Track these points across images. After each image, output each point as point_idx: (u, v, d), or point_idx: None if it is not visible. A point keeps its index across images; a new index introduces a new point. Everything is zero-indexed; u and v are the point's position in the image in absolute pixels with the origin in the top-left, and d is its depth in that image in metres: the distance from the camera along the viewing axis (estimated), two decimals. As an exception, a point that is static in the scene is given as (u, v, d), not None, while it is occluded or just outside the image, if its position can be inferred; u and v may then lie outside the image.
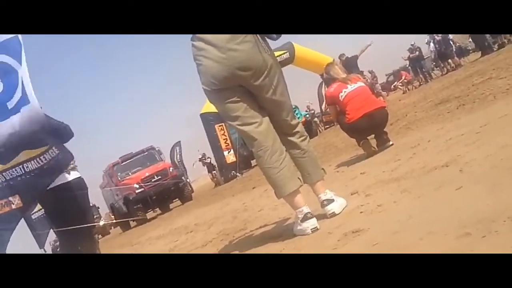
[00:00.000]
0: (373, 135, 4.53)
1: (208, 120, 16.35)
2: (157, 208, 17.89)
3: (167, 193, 16.94)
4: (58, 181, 3.71)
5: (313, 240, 2.28)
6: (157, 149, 18.75)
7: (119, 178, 17.39)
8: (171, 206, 18.06)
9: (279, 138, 2.59)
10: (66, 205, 3.76)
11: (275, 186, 2.54)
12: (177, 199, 17.81)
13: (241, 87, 2.50)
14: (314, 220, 2.44)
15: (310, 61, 18.21)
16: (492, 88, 4.85)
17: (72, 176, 3.83)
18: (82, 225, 3.83)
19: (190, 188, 18.14)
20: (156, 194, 16.48)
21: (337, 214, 2.52)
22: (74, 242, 3.89)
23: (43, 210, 4.54)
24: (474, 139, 2.78)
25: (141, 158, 18.18)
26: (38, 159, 3.46)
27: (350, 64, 13.66)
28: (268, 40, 2.53)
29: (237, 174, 15.20)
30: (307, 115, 20.81)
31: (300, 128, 2.68)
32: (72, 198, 3.77)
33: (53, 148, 3.52)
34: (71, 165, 3.91)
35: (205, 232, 4.88)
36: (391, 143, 4.41)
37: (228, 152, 16.17)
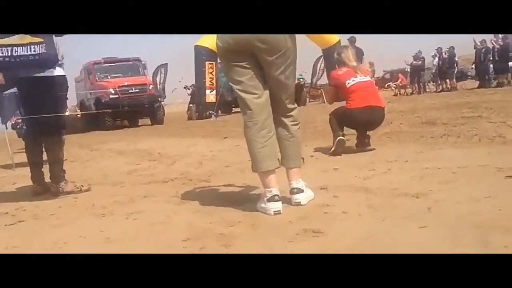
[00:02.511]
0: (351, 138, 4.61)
1: (200, 53, 15.99)
2: (126, 120, 17.72)
3: (140, 108, 16.77)
4: (42, 72, 3.66)
5: (273, 223, 2.37)
6: (143, 62, 18.37)
7: (97, 78, 17.09)
8: (140, 122, 17.99)
9: (273, 116, 2.65)
10: (42, 98, 3.72)
11: (254, 160, 2.60)
12: (147, 118, 17.69)
13: (253, 57, 2.54)
14: (279, 204, 2.52)
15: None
16: (480, 129, 4.96)
17: (57, 72, 3.78)
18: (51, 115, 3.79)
19: (163, 112, 17.96)
20: (129, 105, 16.28)
21: (302, 205, 2.61)
22: (39, 134, 3.88)
23: (15, 90, 4.48)
24: (449, 178, 2.88)
25: (124, 66, 17.82)
26: (28, 47, 3.41)
27: (356, 54, 13.44)
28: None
29: (213, 114, 15.18)
30: (301, 79, 20.68)
31: (295, 113, 2.74)
32: (50, 93, 3.73)
33: (45, 44, 3.47)
34: (59, 62, 3.86)
35: (167, 167, 4.93)
36: (370, 147, 4.51)
37: (210, 92, 16.01)
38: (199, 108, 16.22)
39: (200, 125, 12.34)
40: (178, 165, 5.00)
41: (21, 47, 3.45)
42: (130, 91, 16.56)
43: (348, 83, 4.46)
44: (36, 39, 3.49)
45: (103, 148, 8.21)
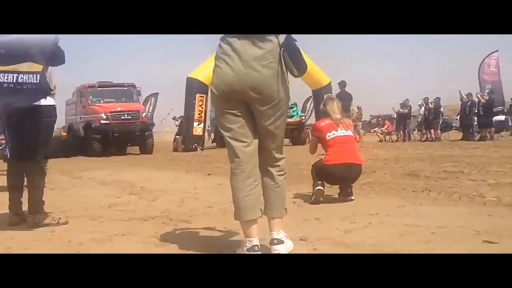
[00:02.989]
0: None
1: (192, 85, 16.17)
2: (114, 148, 17.32)
3: (131, 136, 16.47)
4: (32, 101, 3.65)
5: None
6: (138, 88, 18.12)
7: (89, 102, 16.89)
8: (128, 149, 17.75)
9: (260, 164, 2.66)
10: (29, 129, 3.69)
11: (237, 208, 2.60)
12: (137, 146, 17.40)
13: (245, 106, 2.57)
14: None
15: (308, 74, 18.30)
16: (460, 187, 5.03)
17: (47, 101, 3.77)
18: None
19: (153, 142, 17.43)
20: (119, 132, 15.99)
21: (281, 257, 2.60)
22: (21, 163, 3.83)
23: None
24: (428, 238, 2.90)
25: (118, 91, 17.61)
26: (34, 75, 3.40)
27: (344, 98, 13.33)
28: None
29: (199, 148, 15.20)
30: (303, 117, 20.78)
31: (282, 163, 2.75)
32: (38, 124, 3.72)
33: (49, 72, 3.49)
34: (51, 91, 3.87)
35: (149, 203, 4.90)
36: (352, 197, 4.54)
37: (198, 124, 16.09)
38: (185, 141, 16.20)
39: (185, 158, 12.31)
40: (159, 201, 4.96)
41: (27, 75, 3.42)
42: (122, 117, 16.33)
43: (328, 136, 4.52)
44: (41, 67, 3.46)
45: (85, 177, 8.12)
